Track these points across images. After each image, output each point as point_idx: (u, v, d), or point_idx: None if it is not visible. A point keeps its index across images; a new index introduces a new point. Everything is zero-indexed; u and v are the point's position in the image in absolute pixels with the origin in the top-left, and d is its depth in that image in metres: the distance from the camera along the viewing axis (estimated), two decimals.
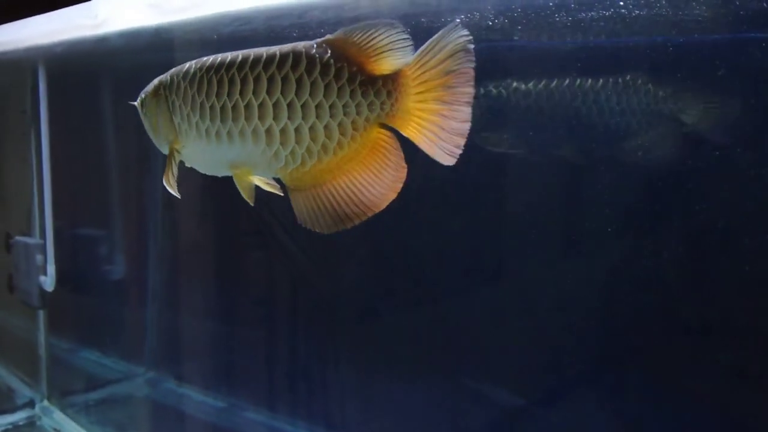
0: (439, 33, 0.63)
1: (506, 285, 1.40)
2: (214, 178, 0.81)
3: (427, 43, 0.64)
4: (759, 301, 1.05)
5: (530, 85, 1.18)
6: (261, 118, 0.70)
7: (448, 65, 0.63)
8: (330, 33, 0.68)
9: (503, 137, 1.25)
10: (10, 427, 2.19)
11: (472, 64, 0.63)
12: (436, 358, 1.54)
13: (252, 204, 0.76)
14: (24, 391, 2.28)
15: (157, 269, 2.01)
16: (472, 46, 0.62)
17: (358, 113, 0.67)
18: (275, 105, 0.68)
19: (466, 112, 0.64)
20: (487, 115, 1.23)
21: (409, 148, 0.67)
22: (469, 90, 0.63)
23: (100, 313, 2.14)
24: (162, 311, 2.01)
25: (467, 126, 0.64)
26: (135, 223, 2.04)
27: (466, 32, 0.62)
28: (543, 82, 1.18)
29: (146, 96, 0.84)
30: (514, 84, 1.20)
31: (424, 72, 0.65)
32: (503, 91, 1.21)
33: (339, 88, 0.67)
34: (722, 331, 1.12)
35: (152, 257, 2.01)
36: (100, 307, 2.14)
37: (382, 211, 0.74)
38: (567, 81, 1.15)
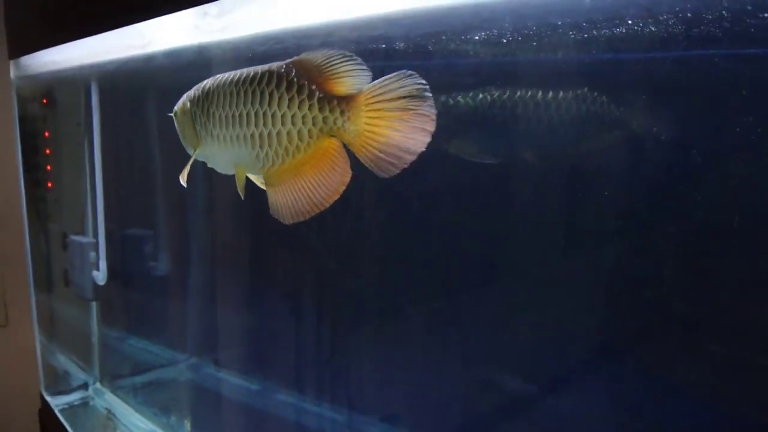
0: (396, 74, 0.76)
1: (511, 283, 1.50)
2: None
3: (383, 79, 0.77)
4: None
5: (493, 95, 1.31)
6: (248, 125, 0.84)
7: (404, 104, 0.75)
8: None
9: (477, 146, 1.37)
10: (66, 406, 2.40)
11: (432, 110, 0.75)
12: (450, 348, 1.66)
13: (242, 197, 0.92)
14: (79, 375, 2.48)
15: (197, 266, 2.19)
16: (428, 94, 0.75)
17: (313, 124, 0.79)
18: (255, 114, 0.82)
19: (419, 142, 0.76)
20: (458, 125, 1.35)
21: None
22: (425, 128, 0.75)
23: (146, 305, 2.33)
24: (202, 304, 2.18)
25: (413, 156, 0.76)
26: (177, 224, 2.22)
27: (423, 81, 0.75)
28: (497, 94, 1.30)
29: (178, 108, 1.01)
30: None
31: (379, 102, 0.76)
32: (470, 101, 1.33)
33: (300, 102, 0.79)
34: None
35: (193, 255, 2.19)
36: (146, 300, 2.32)
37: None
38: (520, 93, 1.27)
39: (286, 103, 0.80)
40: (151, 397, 2.26)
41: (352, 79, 0.78)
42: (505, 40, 1.24)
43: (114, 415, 2.29)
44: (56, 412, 2.41)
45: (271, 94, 0.81)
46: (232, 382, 2.13)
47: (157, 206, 2.23)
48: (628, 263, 1.25)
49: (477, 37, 1.30)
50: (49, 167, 2.54)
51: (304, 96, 0.79)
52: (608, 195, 1.24)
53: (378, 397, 1.89)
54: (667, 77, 1.11)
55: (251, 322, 2.12)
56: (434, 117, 0.76)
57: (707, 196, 1.13)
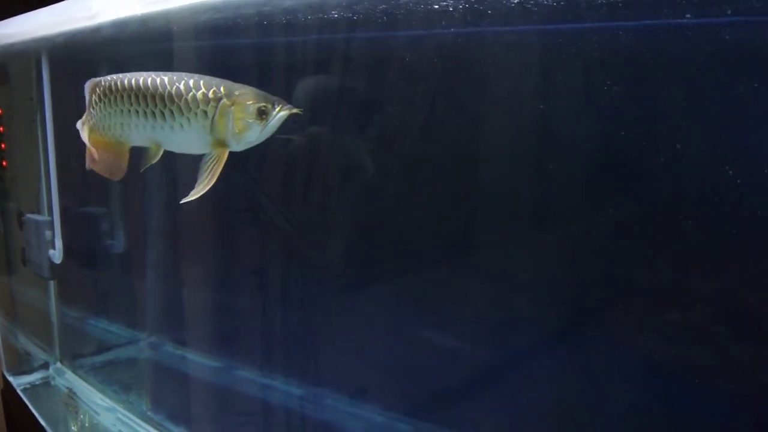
0: None
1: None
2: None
3: None
4: None
5: None
6: None
7: None
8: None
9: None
10: (28, 386, 2.39)
11: None
12: (415, 320, 1.66)
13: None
14: (39, 355, 2.47)
15: (155, 244, 2.16)
16: None
17: None
18: None
19: None
20: None
21: None
22: None
23: (105, 284, 2.30)
24: (160, 282, 2.16)
25: None
26: (134, 201, 2.19)
27: None
28: None
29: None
30: None
31: None
32: None
33: None
34: None
35: (150, 233, 2.16)
36: (104, 278, 2.30)
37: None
38: None
39: None
40: (111, 376, 2.25)
41: None
42: None
43: (75, 393, 2.28)
44: (19, 392, 2.40)
45: None
46: (192, 359, 2.12)
47: (112, 183, 2.19)
48: None
49: None
50: (3, 145, 2.49)
51: None
52: None
53: (342, 372, 1.89)
54: None
55: (211, 300, 2.10)
56: None
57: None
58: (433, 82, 1.34)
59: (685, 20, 1.03)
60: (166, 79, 1.11)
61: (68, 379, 2.33)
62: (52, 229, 2.24)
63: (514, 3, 1.14)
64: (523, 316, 1.39)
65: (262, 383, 2.02)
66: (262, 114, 1.06)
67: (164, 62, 1.88)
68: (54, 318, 2.38)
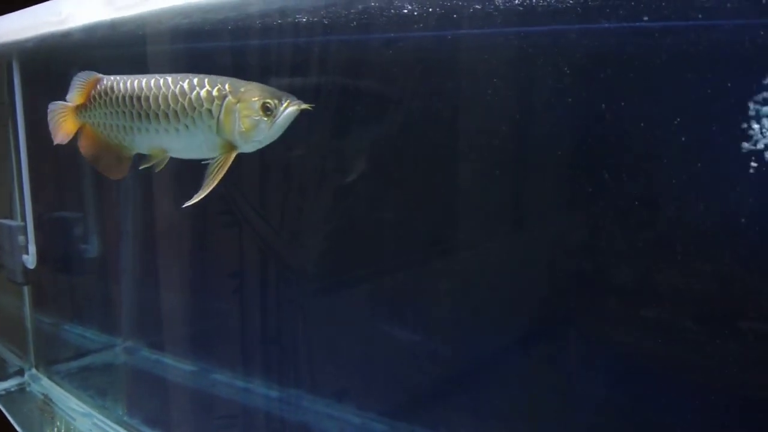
0: None
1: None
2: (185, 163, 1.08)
3: None
4: None
5: None
6: None
7: None
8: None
9: None
10: (3, 392, 2.37)
11: None
12: (393, 322, 1.67)
13: None
14: (14, 361, 2.45)
15: (129, 248, 2.15)
16: None
17: None
18: None
19: None
20: None
21: None
22: None
23: (79, 290, 2.29)
24: (136, 286, 2.15)
25: None
26: (108, 205, 2.18)
27: None
28: None
29: None
30: None
31: None
32: None
33: None
34: None
35: (125, 237, 2.15)
36: (79, 284, 2.29)
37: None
38: None
39: None
40: (87, 382, 2.24)
41: None
42: None
43: (51, 399, 2.27)
44: None
45: None
46: (167, 363, 2.12)
47: (85, 187, 2.19)
48: None
49: None
50: None
51: None
52: None
53: (320, 374, 1.90)
54: None
55: (185, 304, 2.10)
56: None
57: None
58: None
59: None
60: (169, 79, 1.07)
61: (43, 385, 2.32)
62: (26, 234, 2.22)
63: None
64: (497, 316, 1.42)
65: (238, 386, 2.02)
66: (268, 110, 1.02)
67: (136, 66, 1.88)
68: (28, 324, 2.37)
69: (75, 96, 1.16)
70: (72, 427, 2.17)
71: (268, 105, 1.02)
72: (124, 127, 1.12)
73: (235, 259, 1.98)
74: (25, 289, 2.33)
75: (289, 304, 1.91)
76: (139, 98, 1.08)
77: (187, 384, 2.10)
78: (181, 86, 1.07)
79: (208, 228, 2.07)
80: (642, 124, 1.09)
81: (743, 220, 1.00)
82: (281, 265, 1.93)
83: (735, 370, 1.05)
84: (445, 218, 1.50)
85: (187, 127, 1.07)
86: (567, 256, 1.29)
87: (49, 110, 1.17)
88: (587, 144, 1.22)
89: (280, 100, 1.02)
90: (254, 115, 1.02)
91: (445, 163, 1.45)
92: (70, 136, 1.17)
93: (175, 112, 1.06)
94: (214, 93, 1.05)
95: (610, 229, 1.21)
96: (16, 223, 2.27)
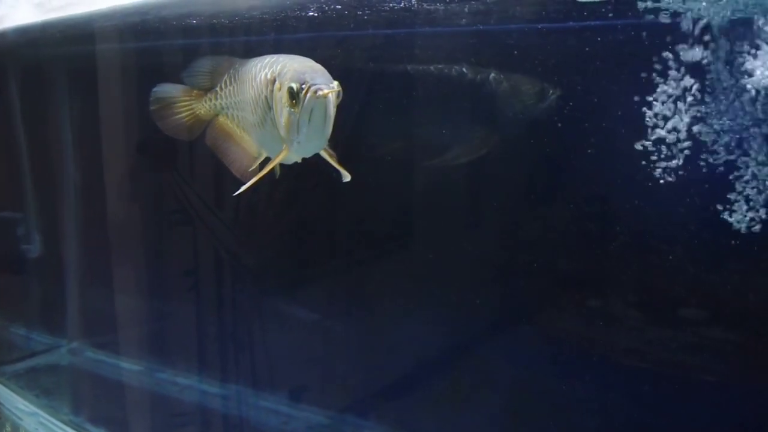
0: None
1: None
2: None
3: None
4: None
5: None
6: None
7: None
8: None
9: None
10: None
11: None
12: (346, 318, 1.69)
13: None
14: None
15: (72, 248, 2.15)
16: None
17: None
18: None
19: None
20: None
21: None
22: None
23: (23, 291, 2.29)
24: (79, 287, 2.15)
25: None
26: (50, 205, 2.17)
27: None
28: None
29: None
30: None
31: None
32: None
33: None
34: None
35: (68, 237, 2.14)
36: (22, 284, 2.28)
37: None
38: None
39: None
40: (34, 382, 2.24)
41: None
42: None
43: None
44: None
45: None
46: (111, 363, 2.13)
47: (26, 186, 2.18)
48: None
49: None
50: None
51: None
52: None
53: (272, 372, 1.91)
54: None
55: (129, 305, 2.10)
56: None
57: None
58: None
59: None
60: (258, 61, 0.89)
61: None
62: None
63: None
64: (458, 312, 1.43)
65: (182, 384, 2.03)
66: (293, 97, 0.79)
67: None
68: None
69: (199, 82, 1.00)
70: (18, 427, 2.18)
71: (292, 90, 0.79)
72: (239, 118, 0.96)
73: (189, 257, 1.97)
74: None
75: (240, 301, 1.92)
76: (244, 84, 0.91)
77: (132, 383, 2.11)
78: (255, 68, 0.88)
79: (154, 227, 2.07)
80: None
81: None
82: (235, 263, 1.93)
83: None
84: (400, 215, 1.50)
85: (263, 121, 0.90)
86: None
87: (160, 96, 1.00)
88: None
89: (302, 85, 0.78)
90: (285, 103, 0.81)
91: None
92: (201, 128, 1.02)
93: (255, 101, 0.89)
94: (269, 76, 0.85)
95: None
96: None
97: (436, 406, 1.52)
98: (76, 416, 2.09)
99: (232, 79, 0.93)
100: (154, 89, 0.99)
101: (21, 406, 2.21)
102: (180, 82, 0.99)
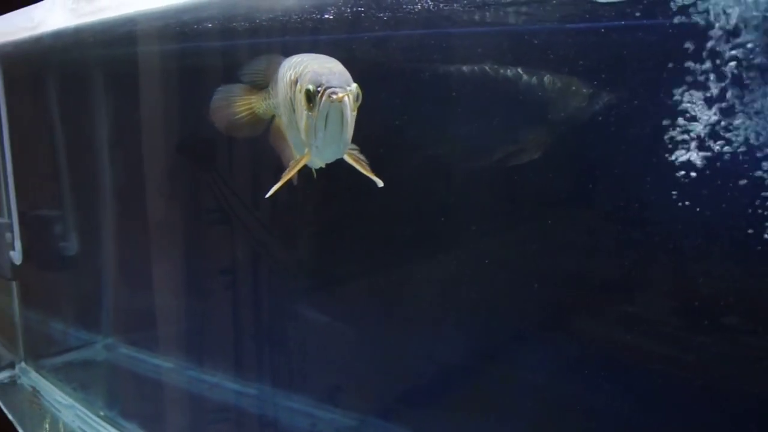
0: None
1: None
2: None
3: None
4: None
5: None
6: None
7: None
8: None
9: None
10: None
11: None
12: (382, 322, 1.66)
13: None
14: (6, 354, 2.54)
15: (108, 246, 2.19)
16: None
17: None
18: None
19: None
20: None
21: None
22: None
23: (61, 287, 2.35)
24: (114, 285, 2.20)
25: None
26: (87, 203, 2.22)
27: None
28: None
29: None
30: None
31: None
32: None
33: None
34: None
35: (104, 235, 2.19)
36: (60, 281, 2.35)
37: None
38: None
39: None
40: (71, 376, 2.31)
41: None
42: None
43: (38, 392, 2.35)
44: None
45: None
46: (146, 360, 2.17)
47: (64, 185, 2.23)
48: None
49: None
50: None
51: None
52: None
53: (307, 373, 1.91)
54: None
55: (164, 303, 2.13)
56: None
57: None
58: None
59: None
60: (287, 61, 0.87)
61: (32, 378, 2.40)
62: (12, 230, 2.29)
63: None
64: (496, 316, 1.39)
65: (212, 383, 2.06)
66: (309, 100, 0.77)
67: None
68: (17, 319, 2.45)
69: (255, 80, 0.99)
70: (58, 419, 2.25)
71: (309, 93, 0.76)
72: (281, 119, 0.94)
73: (227, 256, 1.99)
74: (14, 285, 2.41)
75: (270, 303, 1.92)
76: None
77: (164, 380, 2.15)
78: (284, 67, 0.86)
79: (191, 226, 2.09)
80: None
81: None
82: (273, 262, 1.93)
83: None
84: (441, 218, 1.47)
85: (290, 123, 0.88)
86: None
87: (223, 95, 1.00)
88: None
89: (318, 89, 0.75)
90: (303, 107, 0.78)
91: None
92: (262, 127, 1.01)
93: (284, 103, 0.86)
94: (292, 76, 0.83)
95: None
96: (3, 219, 2.33)
97: (466, 412, 1.49)
98: (110, 410, 2.14)
99: (276, 79, 0.92)
100: (218, 89, 0.99)
101: (59, 398, 2.28)
102: (236, 81, 1.00)
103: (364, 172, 0.87)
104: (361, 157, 0.88)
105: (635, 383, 1.14)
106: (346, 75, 0.78)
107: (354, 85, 0.76)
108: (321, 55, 0.84)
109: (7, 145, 2.24)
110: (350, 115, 0.75)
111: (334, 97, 0.74)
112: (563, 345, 1.29)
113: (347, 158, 0.87)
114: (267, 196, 0.91)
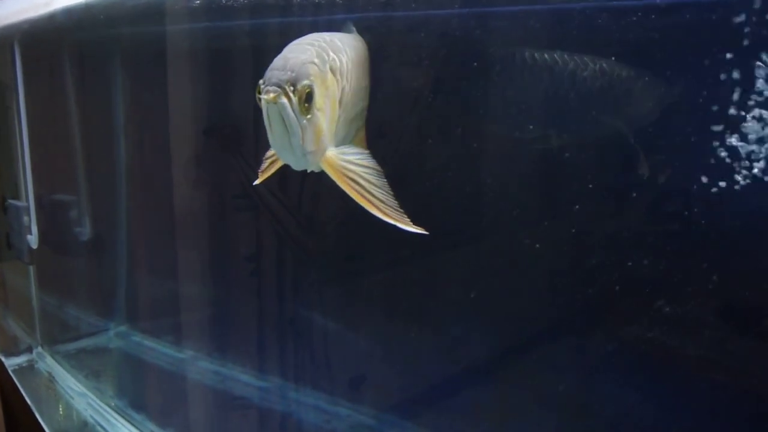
0: None
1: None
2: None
3: None
4: None
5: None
6: None
7: None
8: None
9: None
10: (17, 367, 2.46)
11: None
12: (407, 313, 1.57)
13: None
14: (25, 338, 2.53)
15: (124, 233, 2.14)
16: None
17: None
18: None
19: None
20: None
21: None
22: None
23: (75, 272, 2.32)
24: (127, 272, 2.15)
25: None
26: (102, 188, 2.18)
27: None
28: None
29: None
30: None
31: None
32: None
33: None
34: None
35: (119, 221, 2.14)
36: (74, 266, 2.32)
37: None
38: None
39: None
40: (83, 363, 2.28)
41: None
42: None
43: (54, 377, 2.32)
44: (10, 372, 2.47)
45: None
46: (157, 349, 2.11)
47: (78, 169, 2.19)
48: None
49: None
50: None
51: None
52: None
53: (312, 369, 1.84)
54: None
55: (176, 291, 2.07)
56: None
57: None
58: None
59: None
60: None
61: (48, 363, 2.38)
62: (29, 214, 2.26)
63: None
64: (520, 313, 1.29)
65: (224, 374, 1.99)
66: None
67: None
68: (34, 303, 2.43)
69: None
70: (71, 407, 2.22)
71: (258, 87, 0.69)
72: None
73: (253, 244, 1.91)
74: (31, 269, 2.39)
75: (292, 293, 1.84)
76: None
77: (175, 370, 2.09)
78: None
79: (212, 212, 2.03)
80: None
81: None
82: (300, 251, 1.85)
83: None
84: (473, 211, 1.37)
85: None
86: None
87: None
88: None
89: (261, 81, 0.68)
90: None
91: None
92: None
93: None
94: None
95: None
96: (22, 203, 2.32)
97: (487, 415, 1.39)
98: (120, 400, 2.10)
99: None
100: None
101: (72, 385, 2.25)
102: None
103: (358, 200, 0.79)
104: (378, 168, 0.79)
105: (669, 389, 1.04)
106: (301, 70, 0.66)
107: (304, 83, 0.65)
108: (338, 33, 0.75)
109: (25, 126, 2.21)
110: (295, 119, 0.65)
111: (264, 97, 0.65)
112: (593, 347, 1.17)
113: (332, 174, 0.77)
114: (255, 183, 0.86)
